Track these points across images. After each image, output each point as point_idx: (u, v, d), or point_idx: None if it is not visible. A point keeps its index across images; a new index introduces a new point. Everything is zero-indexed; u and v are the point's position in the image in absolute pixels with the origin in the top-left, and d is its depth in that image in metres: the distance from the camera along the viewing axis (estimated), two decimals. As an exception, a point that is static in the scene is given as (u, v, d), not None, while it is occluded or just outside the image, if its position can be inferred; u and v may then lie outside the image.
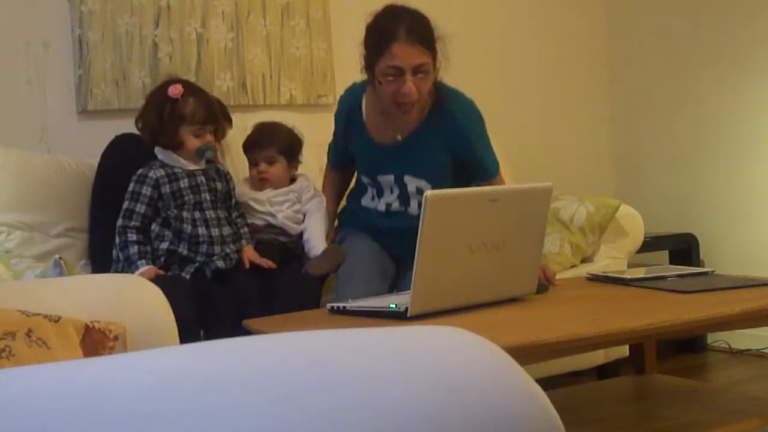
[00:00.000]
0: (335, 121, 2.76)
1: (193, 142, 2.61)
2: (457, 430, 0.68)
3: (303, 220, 2.80)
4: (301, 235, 2.79)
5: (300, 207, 2.81)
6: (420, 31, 2.41)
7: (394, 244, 2.63)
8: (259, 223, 2.79)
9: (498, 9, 3.97)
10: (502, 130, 2.67)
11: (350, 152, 2.73)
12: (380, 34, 2.42)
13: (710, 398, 2.41)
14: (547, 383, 2.18)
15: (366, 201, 2.71)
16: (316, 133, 2.94)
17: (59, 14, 3.01)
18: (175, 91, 2.59)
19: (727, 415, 2.22)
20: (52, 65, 3.01)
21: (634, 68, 4.18)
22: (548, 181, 2.18)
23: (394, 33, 2.38)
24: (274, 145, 2.82)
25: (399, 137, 2.59)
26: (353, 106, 2.66)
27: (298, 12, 3.41)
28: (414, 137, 2.58)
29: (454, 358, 0.76)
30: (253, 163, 2.86)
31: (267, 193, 2.82)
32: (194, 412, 0.65)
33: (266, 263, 2.63)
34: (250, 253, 2.65)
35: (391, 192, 2.64)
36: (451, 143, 2.56)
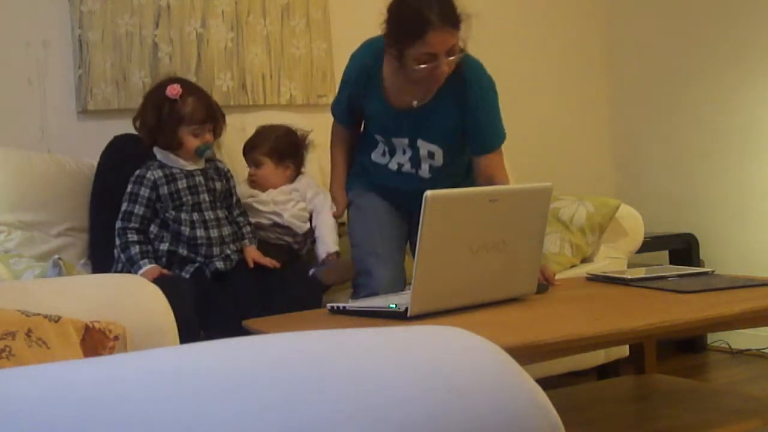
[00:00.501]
0: (346, 78, 2.70)
1: (192, 142, 2.61)
2: (457, 431, 0.68)
3: (309, 219, 2.80)
4: (306, 234, 2.79)
5: (305, 205, 2.81)
6: (451, 12, 2.40)
7: (404, 201, 2.63)
8: (265, 222, 2.79)
9: (498, 9, 3.97)
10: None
11: (362, 109, 2.68)
12: (413, 20, 2.38)
13: (710, 398, 2.41)
14: (547, 383, 2.17)
15: (376, 156, 2.69)
16: (316, 133, 2.94)
17: (59, 14, 3.00)
18: (173, 91, 2.58)
19: (727, 415, 2.21)
20: (52, 65, 3.01)
21: (633, 68, 4.18)
22: (548, 181, 2.18)
23: (429, 20, 2.35)
24: (259, 148, 2.84)
25: (415, 103, 2.57)
26: (371, 66, 2.61)
27: (298, 12, 3.41)
28: (429, 104, 2.56)
29: (454, 358, 0.76)
30: (247, 167, 2.89)
31: (270, 193, 2.82)
32: (194, 413, 0.65)
33: (271, 263, 2.62)
34: (253, 254, 2.64)
35: (404, 153, 2.63)
36: (462, 110, 2.55)
